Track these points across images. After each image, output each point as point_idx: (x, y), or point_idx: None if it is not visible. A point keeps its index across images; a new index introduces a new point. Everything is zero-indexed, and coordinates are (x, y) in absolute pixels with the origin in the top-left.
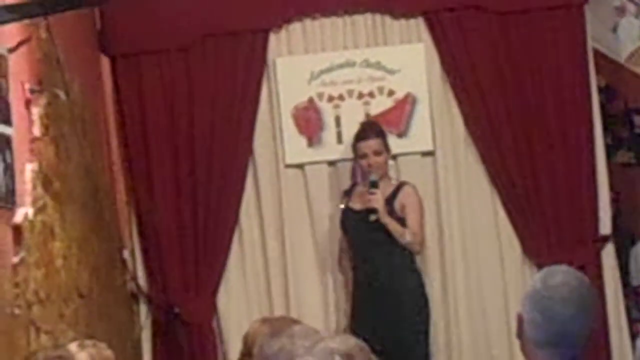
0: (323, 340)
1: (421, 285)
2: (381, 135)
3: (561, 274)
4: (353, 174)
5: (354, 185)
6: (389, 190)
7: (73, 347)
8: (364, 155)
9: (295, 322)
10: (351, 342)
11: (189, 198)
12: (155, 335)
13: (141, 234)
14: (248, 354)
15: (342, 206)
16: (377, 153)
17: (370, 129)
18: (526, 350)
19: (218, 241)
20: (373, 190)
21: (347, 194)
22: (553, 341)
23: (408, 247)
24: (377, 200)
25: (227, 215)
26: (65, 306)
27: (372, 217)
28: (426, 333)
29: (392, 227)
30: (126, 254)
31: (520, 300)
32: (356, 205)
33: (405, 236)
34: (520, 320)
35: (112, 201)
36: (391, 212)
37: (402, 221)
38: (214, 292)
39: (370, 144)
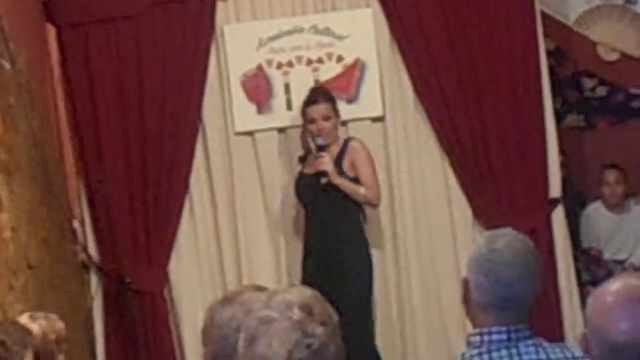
0: (279, 293)
1: (367, 251)
2: (330, 100)
3: (505, 237)
4: (303, 140)
5: (308, 151)
6: (336, 150)
7: (24, 318)
8: (313, 121)
9: (260, 288)
10: (308, 293)
11: (139, 167)
12: (107, 305)
13: (91, 204)
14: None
15: (296, 172)
16: (326, 118)
17: (320, 94)
18: (472, 315)
19: (169, 210)
20: (321, 154)
21: (302, 160)
22: (498, 304)
23: (365, 202)
24: (326, 163)
25: (178, 184)
26: (15, 278)
27: (323, 181)
28: (369, 299)
29: (345, 187)
30: (76, 224)
31: (466, 264)
32: (309, 170)
33: (360, 192)
34: (466, 284)
35: (61, 172)
36: (341, 172)
37: (355, 180)
38: (166, 261)
39: (319, 109)
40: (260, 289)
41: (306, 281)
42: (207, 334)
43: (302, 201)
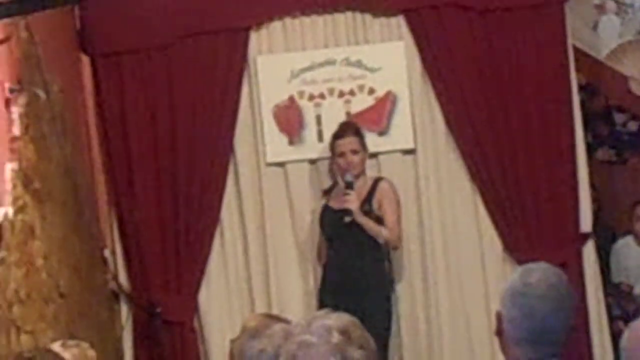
0: (319, 317)
1: (387, 292)
2: (358, 134)
3: (539, 271)
4: (331, 173)
5: (334, 184)
6: (366, 188)
7: (56, 347)
8: (342, 154)
9: (271, 317)
10: (345, 318)
11: (170, 197)
12: (136, 334)
13: (122, 233)
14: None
15: (320, 205)
16: (354, 152)
17: (348, 127)
18: (506, 348)
19: (199, 240)
20: (348, 191)
21: (327, 192)
22: (531, 338)
23: (386, 244)
24: (352, 201)
25: (209, 214)
26: (46, 306)
27: (347, 219)
28: (386, 339)
29: (368, 227)
30: (107, 253)
31: (499, 298)
32: (334, 204)
33: (382, 234)
34: (499, 317)
35: (92, 200)
36: (369, 210)
37: (380, 220)
38: (196, 291)
39: (347, 142)
40: (271, 317)
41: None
42: None
43: (325, 234)
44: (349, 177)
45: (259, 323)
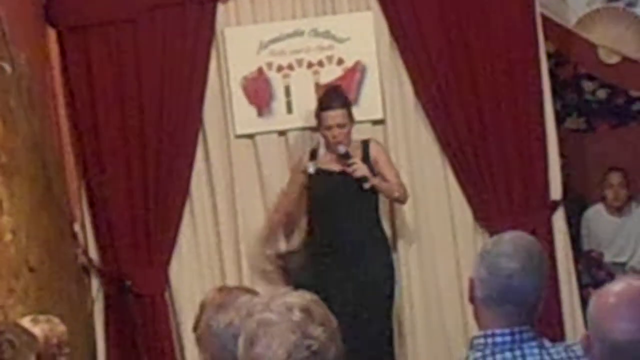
0: (280, 295)
1: (390, 255)
2: (346, 104)
3: (511, 234)
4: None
5: (314, 150)
6: (359, 152)
7: (26, 322)
8: (329, 127)
9: (250, 291)
10: (307, 296)
11: (139, 170)
12: (107, 308)
13: (91, 207)
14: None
15: (311, 169)
16: (341, 126)
17: (336, 97)
18: (478, 315)
19: (169, 213)
20: (352, 160)
21: (313, 156)
22: (498, 297)
23: (397, 200)
24: (362, 168)
25: (178, 187)
26: (15, 281)
27: (366, 185)
28: (391, 299)
29: (382, 187)
30: (77, 227)
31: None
32: (333, 167)
33: (395, 191)
34: (471, 283)
35: (61, 175)
36: (374, 172)
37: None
38: (166, 264)
39: (335, 116)
40: (248, 290)
41: (317, 277)
42: (204, 340)
43: (319, 197)
44: (342, 149)
45: (224, 296)
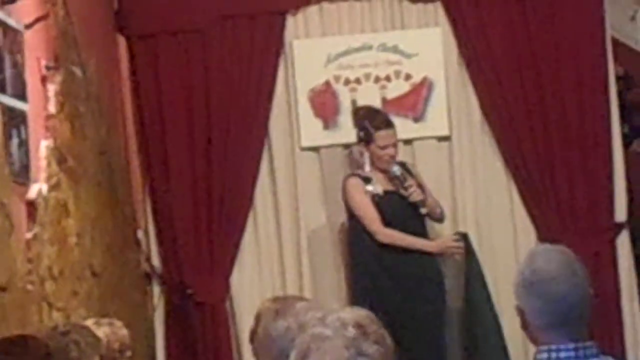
0: (334, 311)
1: (441, 275)
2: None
3: (542, 254)
4: (354, 158)
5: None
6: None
7: (89, 324)
8: (385, 147)
9: (303, 299)
10: (362, 313)
11: (204, 179)
12: (168, 316)
13: (156, 214)
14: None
15: (372, 188)
16: (395, 145)
17: (386, 117)
18: (534, 338)
19: (232, 222)
20: (409, 183)
21: (367, 180)
22: (557, 321)
23: (438, 218)
24: (418, 192)
25: (242, 197)
26: (79, 284)
27: (424, 211)
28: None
29: (432, 206)
30: (140, 234)
31: (514, 291)
32: (389, 187)
33: (436, 209)
34: (520, 311)
35: (126, 181)
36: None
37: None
38: (228, 273)
39: (392, 135)
40: (302, 299)
41: (375, 298)
42: (262, 346)
43: (389, 219)
44: (397, 171)
45: (280, 303)
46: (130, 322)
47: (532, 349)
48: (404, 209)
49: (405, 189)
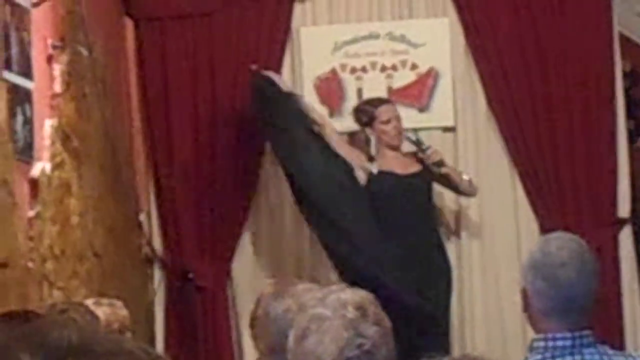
0: (334, 291)
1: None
2: None
3: (557, 240)
4: (359, 141)
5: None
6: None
7: (89, 303)
8: (388, 121)
9: (303, 282)
10: (362, 293)
11: (207, 164)
12: (168, 300)
13: (158, 198)
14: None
15: (374, 169)
16: (398, 118)
17: (383, 97)
18: (534, 322)
19: (234, 207)
20: (427, 145)
21: (372, 159)
22: (560, 307)
23: (467, 189)
24: (438, 152)
25: (245, 182)
26: (80, 264)
27: (443, 170)
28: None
29: (454, 174)
30: (142, 217)
31: (521, 273)
32: (397, 169)
33: (464, 178)
34: (524, 293)
35: (130, 164)
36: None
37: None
38: (229, 258)
39: (393, 109)
40: (302, 282)
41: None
42: (261, 326)
43: (381, 197)
44: (413, 136)
45: (280, 285)
46: (130, 305)
47: (530, 335)
48: (399, 189)
49: (423, 151)
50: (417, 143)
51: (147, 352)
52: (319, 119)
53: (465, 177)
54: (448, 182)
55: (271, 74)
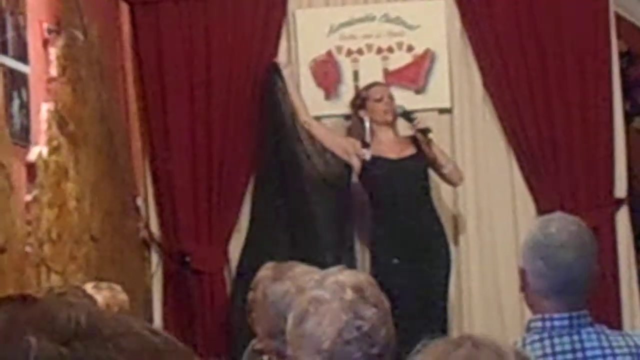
0: (332, 274)
1: (446, 237)
2: None
3: (558, 221)
4: (354, 130)
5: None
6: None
7: (88, 287)
8: (380, 99)
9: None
10: (360, 276)
11: (204, 147)
12: (166, 283)
13: (155, 181)
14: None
15: (367, 155)
16: (390, 97)
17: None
18: (531, 303)
19: (232, 191)
20: (414, 115)
21: (366, 145)
22: (558, 288)
23: (450, 175)
24: (425, 120)
25: (242, 165)
26: (77, 248)
27: (430, 135)
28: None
29: (440, 155)
30: (139, 200)
31: (520, 253)
32: (391, 154)
33: (449, 163)
34: (522, 273)
35: (126, 147)
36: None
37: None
38: (226, 241)
39: (384, 88)
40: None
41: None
42: (260, 310)
43: (376, 183)
44: (400, 109)
45: (277, 268)
46: (128, 289)
47: (528, 316)
48: (394, 173)
49: (411, 120)
50: (405, 114)
51: (155, 332)
52: (308, 119)
53: (450, 165)
54: (434, 164)
55: (285, 72)
